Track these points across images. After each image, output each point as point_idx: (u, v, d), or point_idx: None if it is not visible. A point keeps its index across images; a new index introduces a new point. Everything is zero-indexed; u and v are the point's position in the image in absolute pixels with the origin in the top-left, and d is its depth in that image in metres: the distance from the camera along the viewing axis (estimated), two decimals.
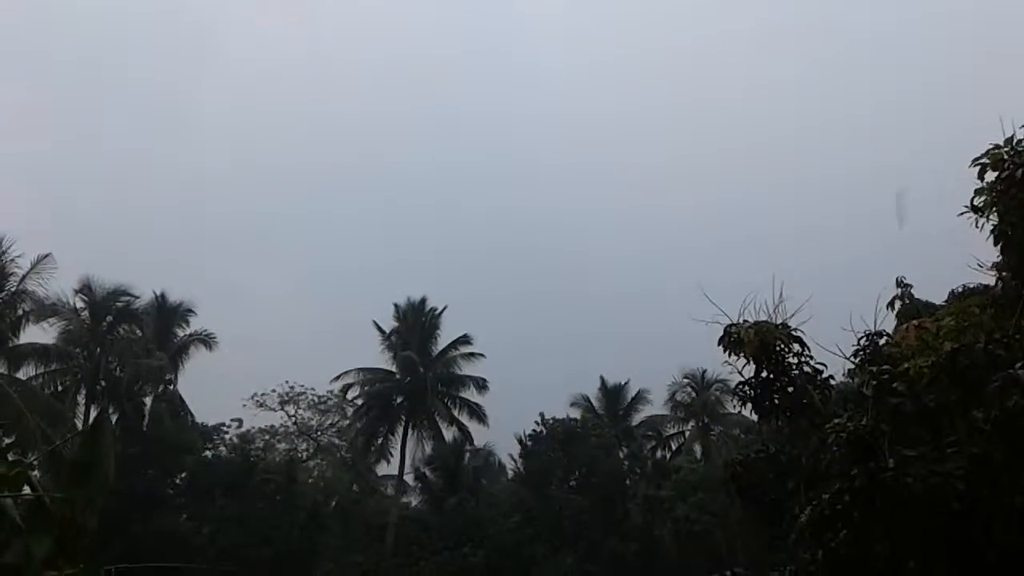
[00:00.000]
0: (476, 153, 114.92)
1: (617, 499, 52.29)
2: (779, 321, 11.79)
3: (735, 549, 42.09)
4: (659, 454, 57.28)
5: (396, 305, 53.81)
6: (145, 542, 39.70)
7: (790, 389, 11.56)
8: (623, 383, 57.92)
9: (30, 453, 31.21)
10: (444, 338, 53.76)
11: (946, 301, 12.87)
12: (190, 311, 50.85)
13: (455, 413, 52.72)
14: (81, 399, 44.14)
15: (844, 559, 7.60)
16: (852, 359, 11.85)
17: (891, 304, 17.08)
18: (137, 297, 46.69)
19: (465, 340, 53.55)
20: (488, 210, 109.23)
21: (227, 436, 50.29)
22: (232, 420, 51.55)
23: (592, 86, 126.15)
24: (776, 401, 11.64)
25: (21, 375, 40.53)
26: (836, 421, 8.98)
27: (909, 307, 13.59)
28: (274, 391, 57.15)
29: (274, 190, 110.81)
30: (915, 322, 9.22)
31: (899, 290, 19.98)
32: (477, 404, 52.84)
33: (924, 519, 7.39)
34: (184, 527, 42.62)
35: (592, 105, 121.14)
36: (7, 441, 32.15)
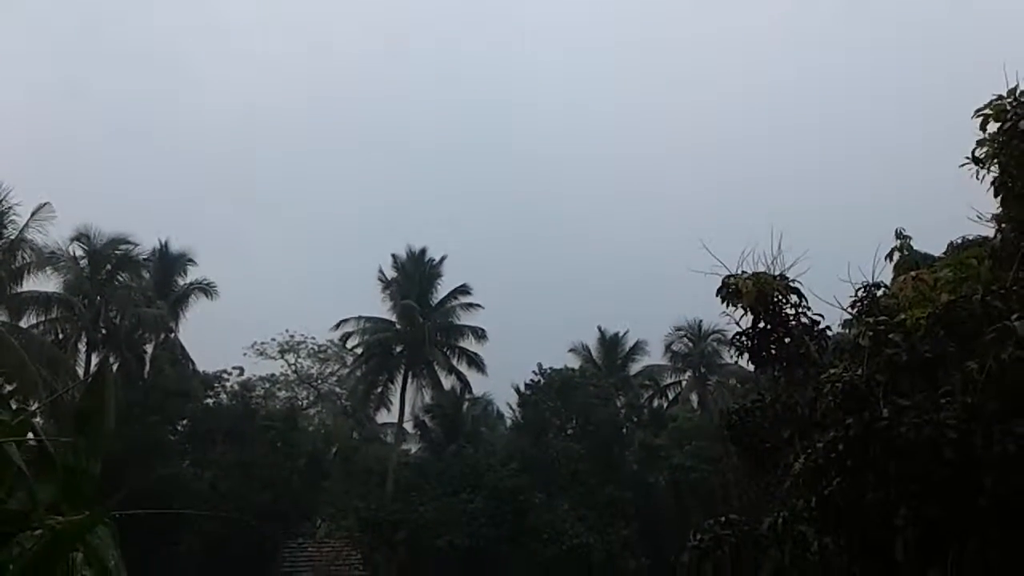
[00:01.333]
0: (475, 95, 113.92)
1: (614, 447, 52.94)
2: (777, 272, 11.87)
3: (730, 496, 42.75)
4: (656, 403, 57.91)
5: (394, 255, 53.90)
6: (148, 487, 40.21)
7: (787, 340, 11.68)
8: (621, 333, 58.33)
9: (32, 401, 31.51)
10: (443, 288, 53.99)
11: (944, 253, 12.94)
12: (190, 260, 50.93)
13: (454, 362, 53.13)
14: (82, 347, 44.42)
15: (837, 506, 7.75)
16: (849, 310, 11.95)
17: (889, 255, 17.13)
18: (137, 245, 46.71)
19: (464, 290, 53.75)
20: (488, 155, 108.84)
21: (228, 384, 50.70)
22: (233, 368, 51.95)
23: (593, 23, 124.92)
24: (773, 351, 11.77)
25: (22, 324, 40.71)
26: (832, 371, 9.10)
27: (907, 258, 13.64)
28: (274, 340, 57.58)
29: (272, 136, 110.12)
30: (913, 274, 9.30)
31: (898, 241, 20.02)
32: (475, 354, 53.24)
33: (917, 467, 7.54)
34: (186, 473, 43.20)
35: (591, 44, 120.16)
36: (9, 388, 32.47)
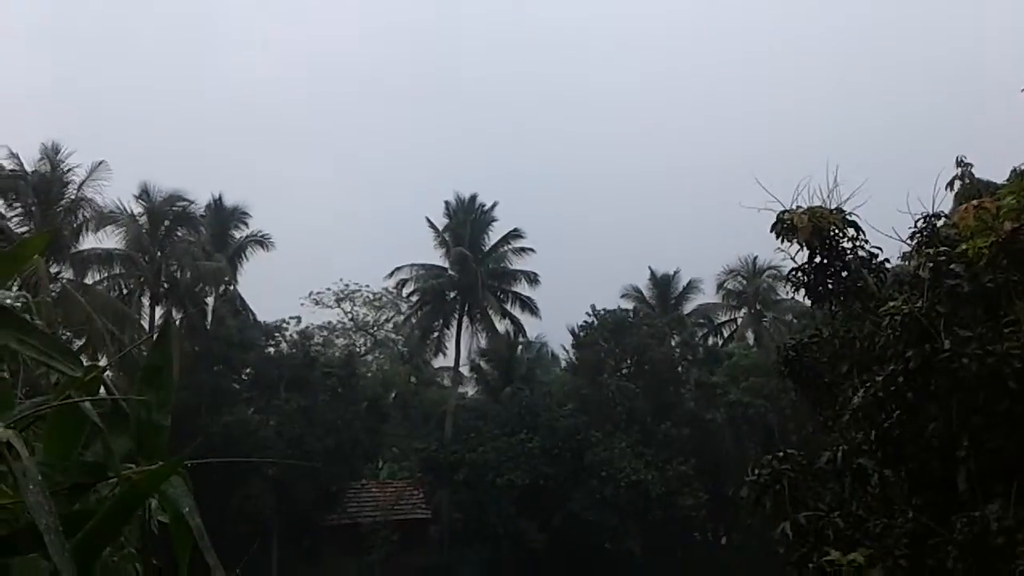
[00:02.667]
0: (524, 35, 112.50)
1: (669, 386, 52.99)
2: (833, 206, 11.63)
3: (787, 431, 42.67)
4: (711, 341, 57.66)
5: (446, 202, 54.04)
6: (216, 435, 41.60)
7: (844, 274, 11.48)
8: (673, 273, 57.95)
9: (101, 354, 32.63)
10: (495, 234, 54.06)
11: (1008, 180, 12.52)
12: (245, 213, 51.71)
13: (507, 307, 53.45)
14: (145, 301, 45.65)
15: (897, 438, 7.69)
16: (908, 242, 11.68)
17: (950, 184, 16.65)
18: (193, 202, 47.53)
19: (516, 234, 53.78)
20: (539, 95, 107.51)
21: (287, 333, 51.79)
22: (291, 318, 53.00)
23: None
24: (830, 286, 11.59)
25: (87, 280, 41.93)
26: (891, 304, 8.94)
27: (969, 187, 13.24)
28: (329, 289, 58.49)
29: (322, 85, 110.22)
30: (974, 202, 9.00)
31: (959, 169, 19.36)
32: (528, 298, 53.49)
33: (979, 399, 7.43)
34: (252, 420, 44.45)
35: None
36: (78, 344, 33.60)
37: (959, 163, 18.62)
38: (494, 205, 54.02)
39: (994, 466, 7.13)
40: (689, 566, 48.13)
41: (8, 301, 1.85)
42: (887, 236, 11.64)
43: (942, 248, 8.91)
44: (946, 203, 13.04)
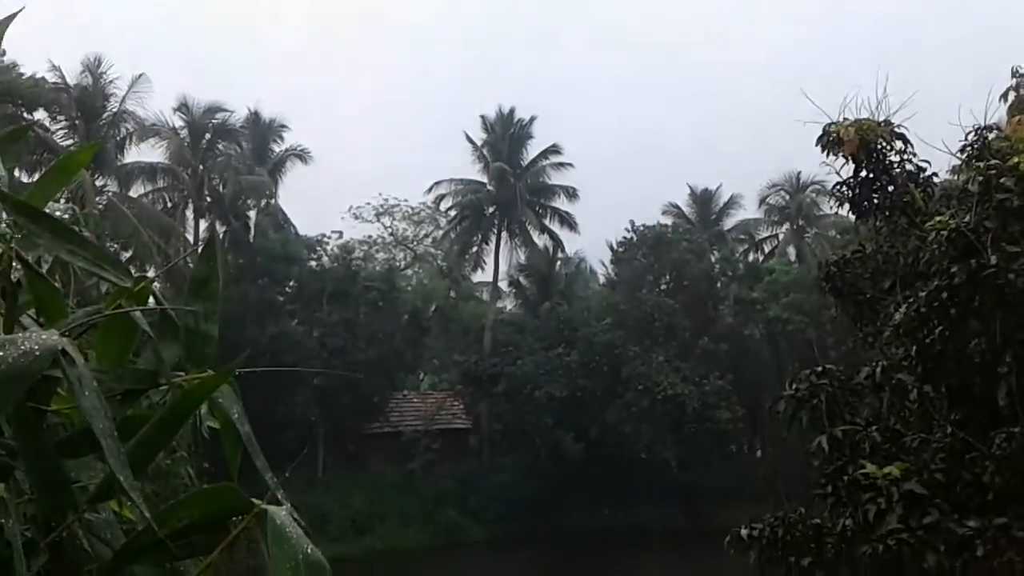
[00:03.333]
0: None
1: (708, 301, 52.85)
2: (881, 118, 11.29)
3: (826, 347, 42.48)
4: (751, 257, 57.09)
5: (483, 117, 53.44)
6: (262, 345, 42.59)
7: (890, 188, 11.21)
8: (714, 189, 57.11)
9: (148, 266, 33.32)
10: (533, 148, 53.55)
11: None
12: (283, 126, 51.71)
13: (546, 222, 53.30)
14: (189, 214, 46.30)
15: (938, 354, 7.63)
16: (958, 155, 11.34)
17: (1004, 96, 16.01)
18: (232, 112, 47.60)
19: (555, 150, 53.22)
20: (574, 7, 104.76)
21: (328, 247, 52.28)
22: (332, 232, 53.41)
23: None
24: (875, 200, 11.35)
25: (132, 194, 42.53)
26: (938, 219, 8.75)
27: (1023, 99, 12.73)
28: (369, 204, 58.66)
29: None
30: None
31: (1013, 80, 18.60)
32: (567, 212, 53.25)
33: None
34: (296, 331, 45.39)
35: None
36: (126, 255, 34.31)
37: (1014, 74, 17.88)
38: (532, 120, 53.38)
39: None
40: (724, 477, 48.82)
41: (57, 213, 1.89)
42: (937, 150, 11.32)
43: (993, 161, 8.65)
44: (999, 115, 12.59)
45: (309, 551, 1.04)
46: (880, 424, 7.93)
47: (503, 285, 55.69)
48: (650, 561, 41.21)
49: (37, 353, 1.16)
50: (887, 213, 11.21)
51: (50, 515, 1.44)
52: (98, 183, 39.17)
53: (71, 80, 40.13)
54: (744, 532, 7.64)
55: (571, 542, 44.05)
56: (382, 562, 40.17)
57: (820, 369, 8.64)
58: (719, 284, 53.71)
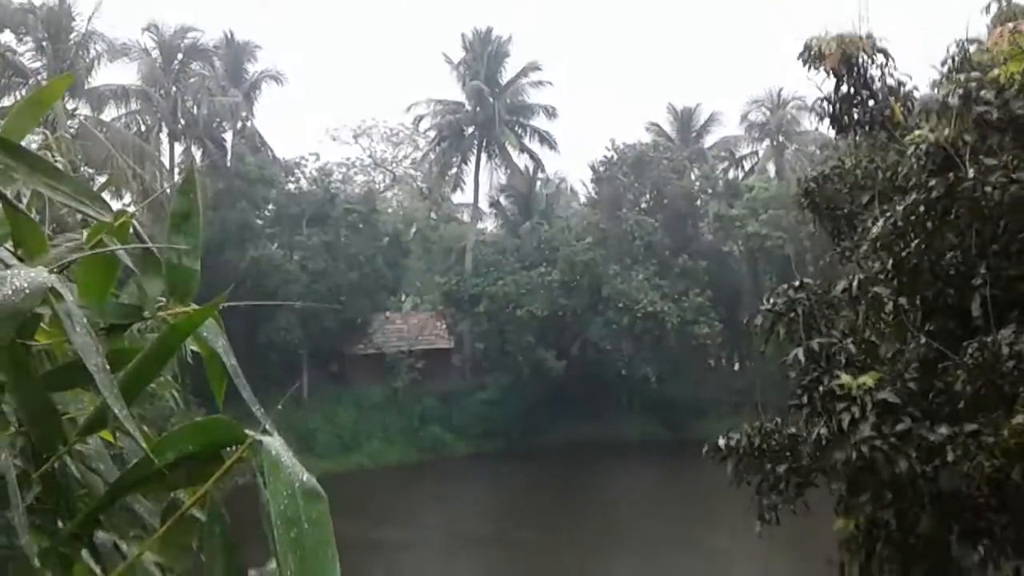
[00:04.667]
0: None
1: (688, 219, 53.03)
2: (864, 32, 11.17)
3: (804, 262, 42.90)
4: (731, 174, 57.07)
5: (463, 35, 52.30)
6: (242, 269, 42.51)
7: (871, 103, 11.18)
8: (694, 107, 56.66)
9: (123, 191, 32.87)
10: (512, 67, 52.61)
11: None
12: (258, 47, 50.48)
13: (525, 141, 52.75)
14: (164, 138, 45.44)
15: (914, 267, 7.74)
16: (939, 67, 11.28)
17: (986, 8, 15.80)
18: (203, 32, 46.36)
19: (534, 67, 52.31)
20: None
21: (306, 170, 51.70)
22: (310, 154, 52.75)
23: None
24: (855, 116, 11.32)
25: (104, 117, 41.58)
26: (917, 133, 8.75)
27: (1006, 10, 12.59)
28: (346, 126, 57.85)
29: None
30: (1009, 25, 8.60)
31: None
32: (547, 132, 52.69)
33: (999, 227, 7.41)
34: (276, 255, 45.20)
35: None
36: (100, 181, 33.75)
37: None
38: (510, 38, 52.30)
39: (1009, 294, 7.21)
40: (703, 391, 49.83)
41: (29, 136, 1.87)
42: (918, 64, 11.26)
43: (973, 74, 8.61)
44: (982, 28, 12.46)
45: (305, 479, 1.07)
46: (856, 336, 8.08)
47: (483, 206, 55.50)
48: (630, 471, 42.32)
49: (27, 291, 1.17)
50: (867, 128, 11.21)
51: (41, 447, 1.46)
52: (69, 106, 38.26)
53: (37, 0, 38.86)
54: (722, 442, 7.85)
55: (553, 455, 45.10)
56: (370, 477, 41.00)
57: (798, 283, 8.74)
58: (699, 202, 53.80)
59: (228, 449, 1.23)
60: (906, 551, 7.15)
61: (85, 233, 1.70)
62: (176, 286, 1.69)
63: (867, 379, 6.77)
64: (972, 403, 6.47)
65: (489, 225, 58.36)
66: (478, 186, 53.29)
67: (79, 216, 1.71)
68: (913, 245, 7.78)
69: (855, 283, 8.08)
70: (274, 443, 1.11)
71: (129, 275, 1.76)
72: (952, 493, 6.43)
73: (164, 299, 1.74)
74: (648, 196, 52.66)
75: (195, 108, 45.19)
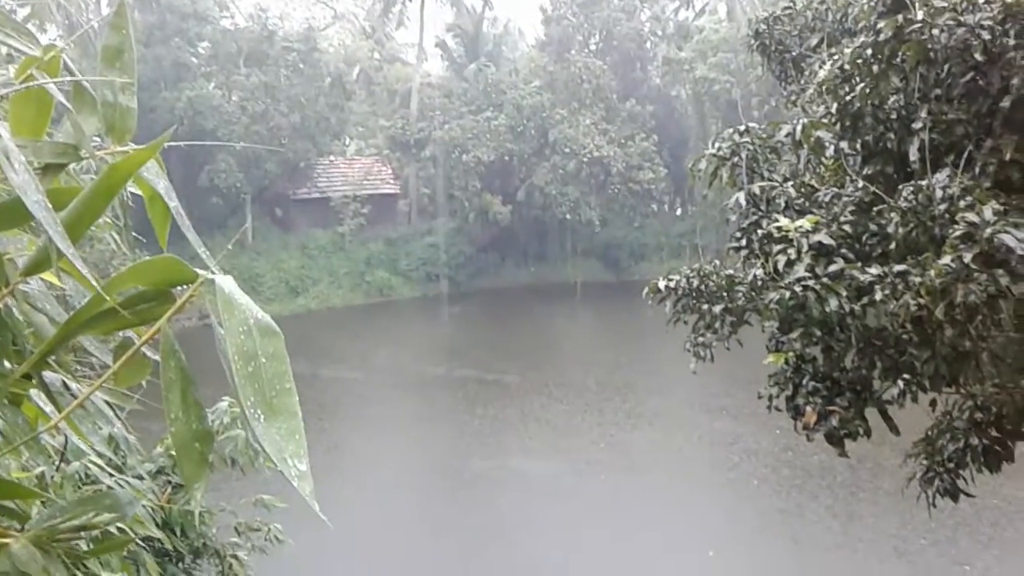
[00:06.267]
0: None
1: (636, 62, 52.21)
2: None
3: (750, 107, 42.88)
4: (682, 16, 55.82)
5: None
6: (179, 109, 41.02)
7: None
8: None
9: (48, 24, 30.97)
10: None
11: None
12: None
13: None
14: None
15: (858, 111, 7.80)
16: None
17: None
18: None
19: None
20: None
21: (241, 5, 49.18)
22: None
23: None
24: None
25: None
26: None
27: None
28: None
29: None
30: None
31: None
32: None
33: (944, 71, 7.45)
34: (214, 95, 43.56)
35: None
36: (23, 12, 31.67)
37: None
38: None
39: (947, 138, 7.34)
40: (645, 235, 50.69)
41: None
42: None
43: None
44: None
45: (260, 316, 1.09)
46: (796, 180, 8.21)
47: (429, 46, 53.69)
48: (573, 312, 43.52)
49: None
50: None
51: None
52: None
53: None
54: (662, 283, 8.05)
55: (498, 298, 46.02)
56: (317, 319, 41.49)
57: (743, 128, 8.76)
58: (648, 44, 52.81)
59: (179, 289, 1.24)
60: (831, 385, 7.57)
61: (12, 69, 1.62)
62: (113, 125, 1.64)
63: (805, 222, 6.93)
64: (903, 245, 6.70)
65: (435, 67, 56.69)
66: (423, 25, 51.37)
67: (4, 51, 1.64)
68: (858, 89, 7.80)
69: (799, 127, 8.12)
70: (227, 281, 1.12)
71: (63, 115, 1.70)
72: (878, 330, 6.76)
73: (100, 139, 1.70)
74: (597, 38, 51.45)
75: None
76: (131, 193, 1.77)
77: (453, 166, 46.82)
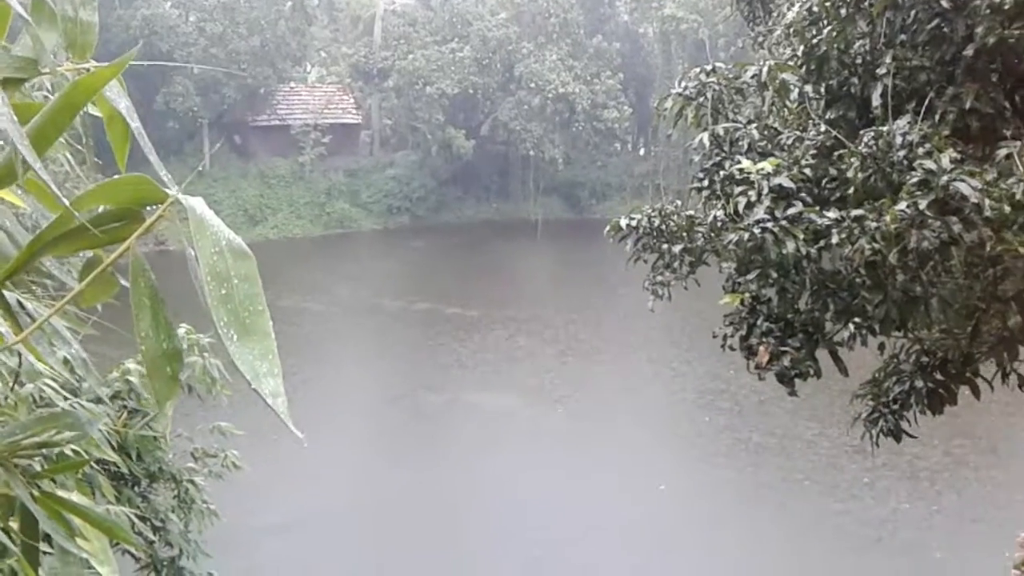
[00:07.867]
0: None
1: None
2: None
3: (717, 48, 42.67)
4: None
5: None
6: (133, 29, 39.68)
7: None
8: None
9: None
10: None
11: None
12: None
13: None
14: None
15: (823, 55, 7.81)
16: None
17: None
18: None
19: None
20: None
21: None
22: None
23: None
24: None
25: None
26: None
27: None
28: None
29: None
30: None
31: None
32: None
33: (910, 16, 7.46)
34: (170, 15, 42.17)
35: None
36: None
37: None
38: None
39: (910, 85, 7.39)
40: (608, 174, 50.66)
41: None
42: None
43: None
44: None
45: (231, 238, 1.09)
46: (760, 122, 8.23)
47: None
48: (533, 248, 43.58)
49: None
50: None
51: None
52: None
53: None
54: (623, 222, 8.07)
55: (459, 233, 45.89)
56: (276, 249, 41.05)
57: (709, 68, 8.73)
58: None
59: (147, 210, 1.23)
60: (784, 326, 7.73)
61: None
62: (74, 40, 1.60)
63: (766, 164, 6.98)
64: (861, 190, 6.78)
65: None
66: None
67: None
68: (825, 32, 7.80)
69: (765, 69, 8.10)
70: (198, 202, 1.12)
71: (21, 28, 1.65)
72: (832, 274, 6.89)
73: (54, 56, 1.65)
74: None
75: None
76: (86, 113, 1.73)
77: (416, 97, 46.08)
